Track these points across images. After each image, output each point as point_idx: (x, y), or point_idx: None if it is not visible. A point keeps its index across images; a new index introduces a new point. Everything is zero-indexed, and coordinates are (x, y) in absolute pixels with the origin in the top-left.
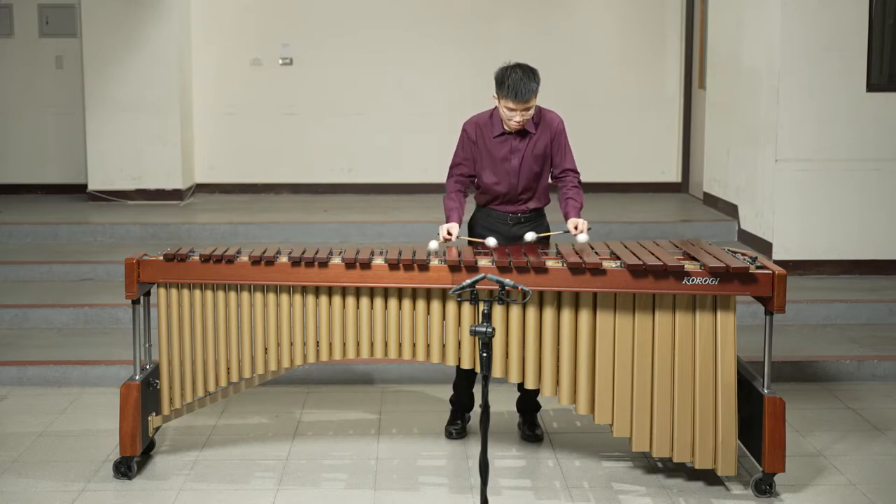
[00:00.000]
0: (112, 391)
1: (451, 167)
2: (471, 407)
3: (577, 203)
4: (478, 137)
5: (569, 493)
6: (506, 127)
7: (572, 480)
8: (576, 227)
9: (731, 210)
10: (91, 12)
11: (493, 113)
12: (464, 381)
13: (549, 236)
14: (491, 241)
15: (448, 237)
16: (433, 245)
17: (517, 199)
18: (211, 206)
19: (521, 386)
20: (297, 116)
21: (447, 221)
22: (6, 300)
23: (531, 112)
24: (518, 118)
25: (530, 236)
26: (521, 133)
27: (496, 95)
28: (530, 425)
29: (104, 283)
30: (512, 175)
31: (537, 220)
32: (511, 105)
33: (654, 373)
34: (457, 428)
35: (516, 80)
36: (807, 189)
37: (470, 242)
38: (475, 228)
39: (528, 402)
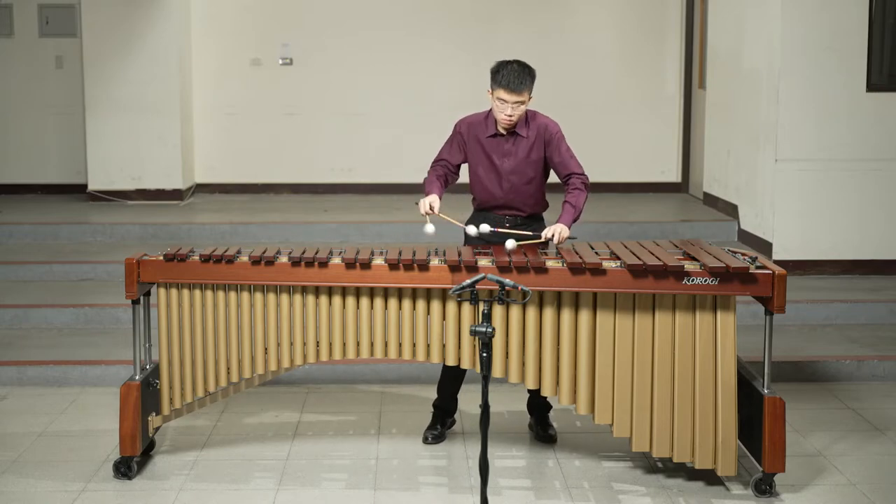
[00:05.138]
0: (112, 391)
1: (434, 161)
2: (453, 412)
3: (573, 208)
4: (470, 137)
5: (569, 493)
6: (498, 124)
7: (572, 480)
8: (551, 236)
9: (731, 210)
10: (91, 12)
11: (488, 115)
12: (448, 386)
13: (531, 241)
14: (471, 230)
15: (430, 211)
16: (430, 229)
17: (511, 202)
18: (211, 206)
19: None
20: (297, 116)
21: (426, 195)
22: (6, 300)
23: (522, 108)
24: (509, 111)
25: (511, 244)
26: (514, 136)
27: (490, 90)
28: (543, 426)
29: (104, 283)
30: (503, 177)
31: (534, 224)
32: (503, 96)
33: (654, 373)
34: (435, 433)
35: (511, 71)
36: (807, 189)
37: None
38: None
39: (537, 401)
